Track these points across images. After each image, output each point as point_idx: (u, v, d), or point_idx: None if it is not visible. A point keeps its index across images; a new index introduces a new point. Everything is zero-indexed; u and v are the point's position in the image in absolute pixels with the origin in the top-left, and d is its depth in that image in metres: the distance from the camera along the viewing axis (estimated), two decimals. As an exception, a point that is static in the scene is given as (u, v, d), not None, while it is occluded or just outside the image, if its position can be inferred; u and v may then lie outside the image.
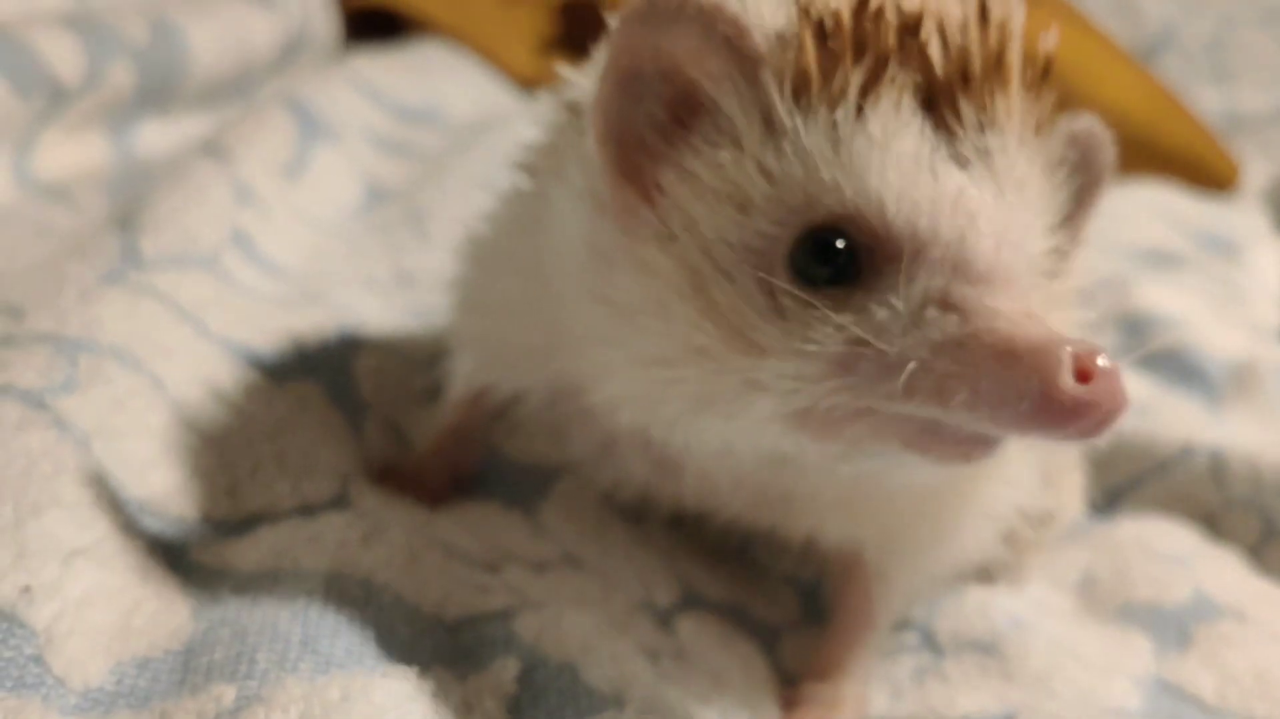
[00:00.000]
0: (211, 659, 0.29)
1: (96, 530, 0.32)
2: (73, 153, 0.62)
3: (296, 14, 0.88)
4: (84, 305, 0.40)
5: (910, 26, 0.30)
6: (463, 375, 0.44)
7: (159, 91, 0.71)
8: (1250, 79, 1.30)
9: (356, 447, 0.45)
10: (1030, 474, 0.43)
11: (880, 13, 0.30)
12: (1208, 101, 1.25)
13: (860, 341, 0.28)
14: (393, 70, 0.88)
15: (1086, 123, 0.35)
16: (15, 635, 0.28)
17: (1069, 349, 0.26)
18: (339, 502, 0.39)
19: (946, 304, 0.28)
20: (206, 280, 0.47)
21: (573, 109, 0.37)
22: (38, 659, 0.28)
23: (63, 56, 0.61)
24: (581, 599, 0.40)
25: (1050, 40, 0.33)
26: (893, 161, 0.28)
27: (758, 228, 0.29)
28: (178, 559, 0.34)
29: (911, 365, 0.27)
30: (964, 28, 0.31)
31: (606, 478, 0.42)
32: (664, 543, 0.47)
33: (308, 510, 0.38)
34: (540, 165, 0.39)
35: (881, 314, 0.28)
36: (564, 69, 0.38)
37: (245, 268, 0.53)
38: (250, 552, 0.34)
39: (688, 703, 0.35)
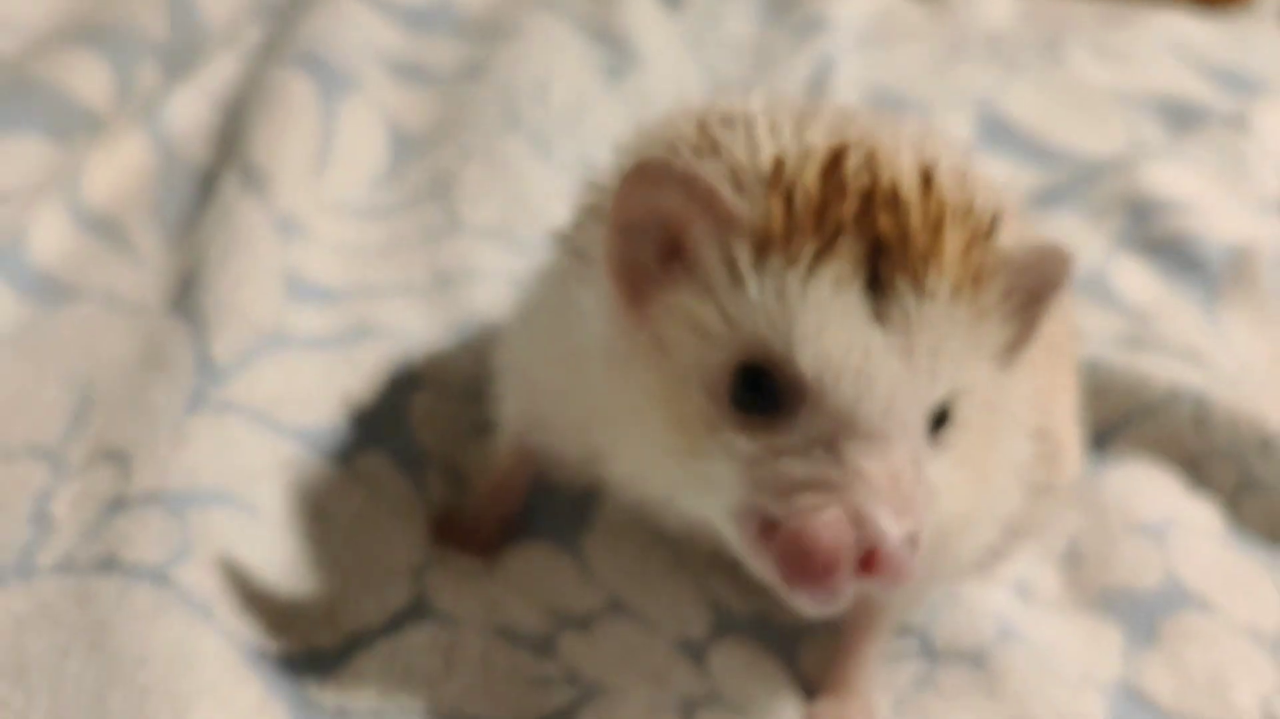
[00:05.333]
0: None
1: (241, 701, 0.39)
2: (117, 166, 0.65)
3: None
4: (178, 449, 0.46)
5: (865, 201, 0.35)
6: (508, 436, 0.50)
7: (182, 67, 0.72)
8: None
9: (421, 511, 0.52)
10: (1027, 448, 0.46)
11: (842, 186, 0.35)
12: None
13: (765, 459, 0.34)
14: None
15: (1038, 249, 0.38)
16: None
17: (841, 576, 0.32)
18: (419, 608, 0.46)
19: (830, 448, 0.33)
20: (272, 364, 0.53)
21: (594, 211, 0.41)
22: None
23: (91, 83, 0.63)
24: (628, 656, 0.48)
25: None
26: (820, 322, 0.34)
27: (714, 358, 0.36)
28: (299, 700, 0.41)
29: (784, 490, 0.34)
30: (908, 200, 0.35)
31: (647, 524, 0.49)
32: (697, 560, 0.54)
33: (395, 624, 0.45)
34: (571, 249, 0.43)
35: (780, 442, 0.34)
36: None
37: (299, 314, 0.57)
38: (359, 687, 0.42)
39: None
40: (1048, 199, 0.88)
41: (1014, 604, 0.55)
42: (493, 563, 0.51)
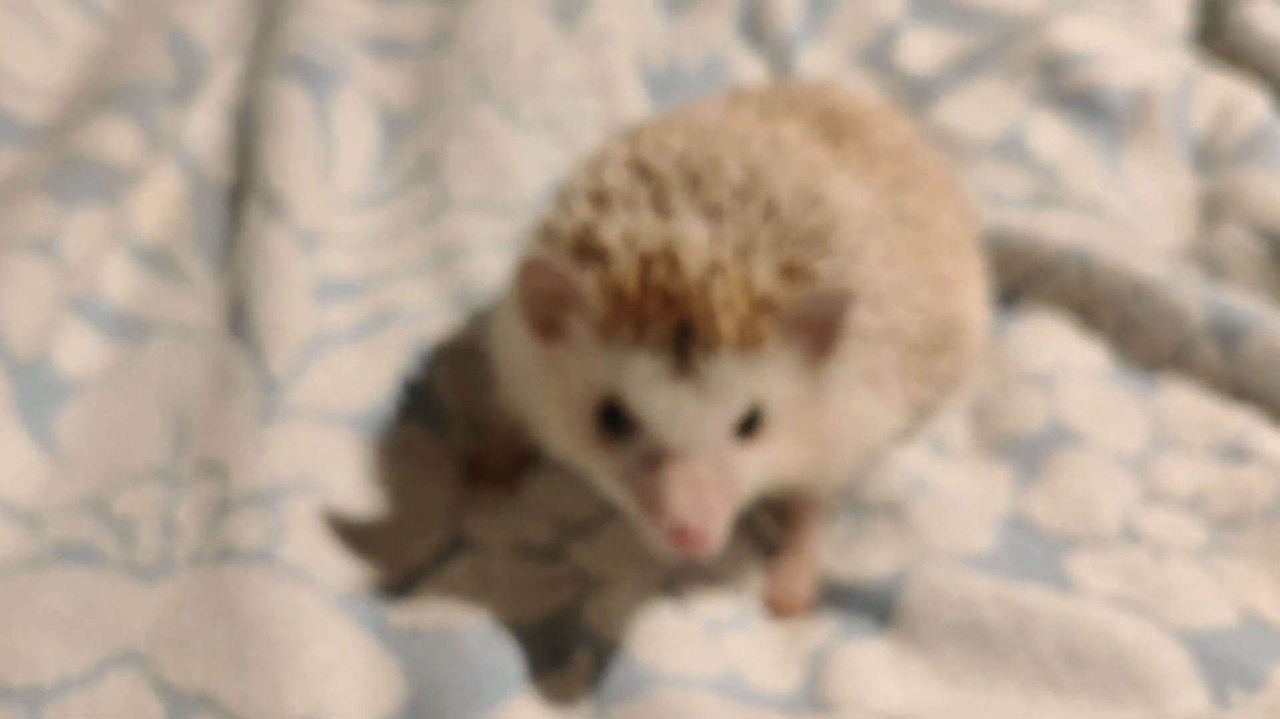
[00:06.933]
0: (425, 711, 0.53)
1: (340, 637, 0.55)
2: (156, 198, 0.78)
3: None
4: (261, 456, 0.60)
5: (666, 300, 0.49)
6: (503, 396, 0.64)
7: (190, 94, 0.84)
8: None
9: (451, 460, 0.66)
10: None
11: (649, 289, 0.49)
12: None
13: (621, 470, 0.51)
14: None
15: (813, 297, 0.51)
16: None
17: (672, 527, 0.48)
18: (457, 542, 0.61)
19: (654, 460, 0.49)
20: (319, 366, 0.67)
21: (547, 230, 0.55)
22: None
23: (124, 144, 0.74)
24: (619, 550, 0.62)
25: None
26: (640, 381, 0.50)
27: (585, 395, 0.52)
28: (380, 627, 0.57)
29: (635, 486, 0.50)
30: (695, 296, 0.49)
31: None
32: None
33: (441, 558, 0.60)
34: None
35: (625, 456, 0.50)
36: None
37: (331, 313, 0.71)
38: (422, 612, 0.57)
39: (699, 636, 0.58)
40: (970, 64, 0.98)
41: (927, 458, 0.69)
42: (512, 492, 0.66)
